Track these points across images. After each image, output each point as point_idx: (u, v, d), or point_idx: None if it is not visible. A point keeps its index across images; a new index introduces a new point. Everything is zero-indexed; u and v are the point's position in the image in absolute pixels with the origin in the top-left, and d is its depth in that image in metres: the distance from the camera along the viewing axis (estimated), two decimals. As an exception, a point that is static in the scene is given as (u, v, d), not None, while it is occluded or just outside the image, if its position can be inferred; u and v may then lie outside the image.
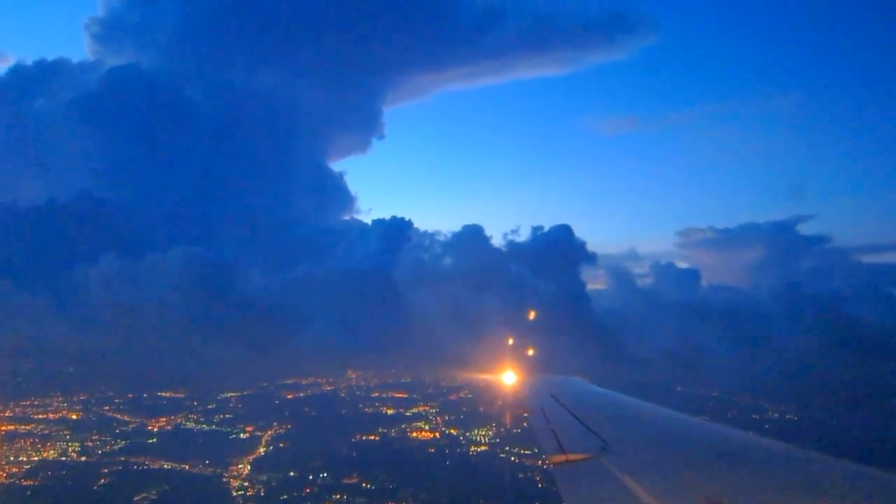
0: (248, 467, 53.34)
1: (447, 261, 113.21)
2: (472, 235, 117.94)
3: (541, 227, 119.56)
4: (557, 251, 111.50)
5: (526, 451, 56.40)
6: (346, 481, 49.87)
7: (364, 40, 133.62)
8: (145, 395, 78.38)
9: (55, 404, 71.52)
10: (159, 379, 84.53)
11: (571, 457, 6.57)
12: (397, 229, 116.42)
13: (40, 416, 67.21)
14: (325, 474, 51.09)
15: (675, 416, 8.56)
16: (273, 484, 49.91)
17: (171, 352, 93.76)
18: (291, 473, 51.81)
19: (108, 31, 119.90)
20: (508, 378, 15.07)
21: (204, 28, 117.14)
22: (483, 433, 62.27)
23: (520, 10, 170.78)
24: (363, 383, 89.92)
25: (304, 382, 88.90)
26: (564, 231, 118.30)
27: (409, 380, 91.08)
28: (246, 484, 49.94)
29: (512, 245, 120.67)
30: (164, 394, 79.69)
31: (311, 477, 50.92)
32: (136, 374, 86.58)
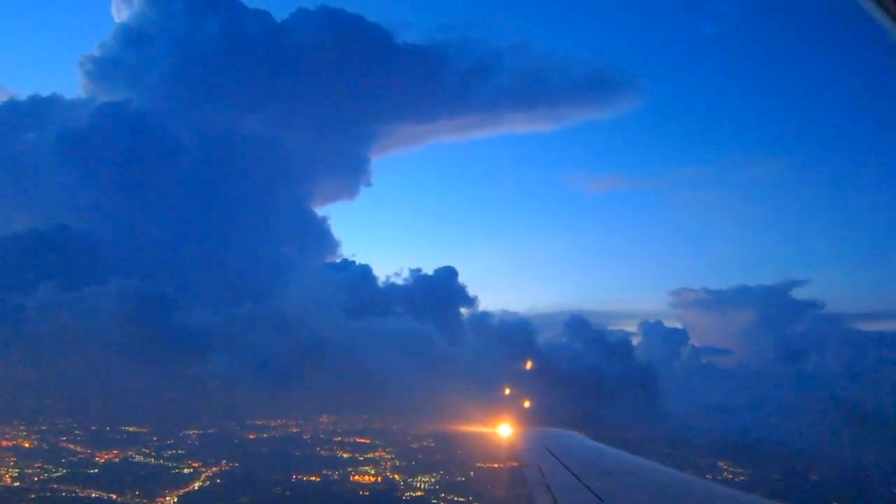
0: (175, 500, 53.05)
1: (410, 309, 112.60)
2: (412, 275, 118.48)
3: (419, 269, 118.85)
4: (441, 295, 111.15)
5: (460, 499, 55.24)
6: (264, 518, 49.26)
7: (354, 90, 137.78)
8: (108, 429, 78.62)
9: (13, 432, 72.12)
10: (127, 413, 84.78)
11: None
12: (354, 274, 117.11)
13: (-7, 443, 67.88)
14: (247, 511, 50.54)
15: (671, 473, 8.37)
16: (191, 517, 49.52)
17: (145, 386, 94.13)
18: (214, 508, 51.40)
19: (101, 69, 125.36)
20: (503, 431, 14.56)
21: (195, 71, 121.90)
22: (425, 479, 61.17)
23: (509, 66, 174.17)
24: (332, 427, 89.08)
25: (272, 424, 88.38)
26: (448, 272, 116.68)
27: (379, 426, 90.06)
28: (164, 516, 49.63)
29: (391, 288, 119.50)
30: (127, 427, 79.86)
31: (231, 512, 50.43)
32: (105, 407, 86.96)
